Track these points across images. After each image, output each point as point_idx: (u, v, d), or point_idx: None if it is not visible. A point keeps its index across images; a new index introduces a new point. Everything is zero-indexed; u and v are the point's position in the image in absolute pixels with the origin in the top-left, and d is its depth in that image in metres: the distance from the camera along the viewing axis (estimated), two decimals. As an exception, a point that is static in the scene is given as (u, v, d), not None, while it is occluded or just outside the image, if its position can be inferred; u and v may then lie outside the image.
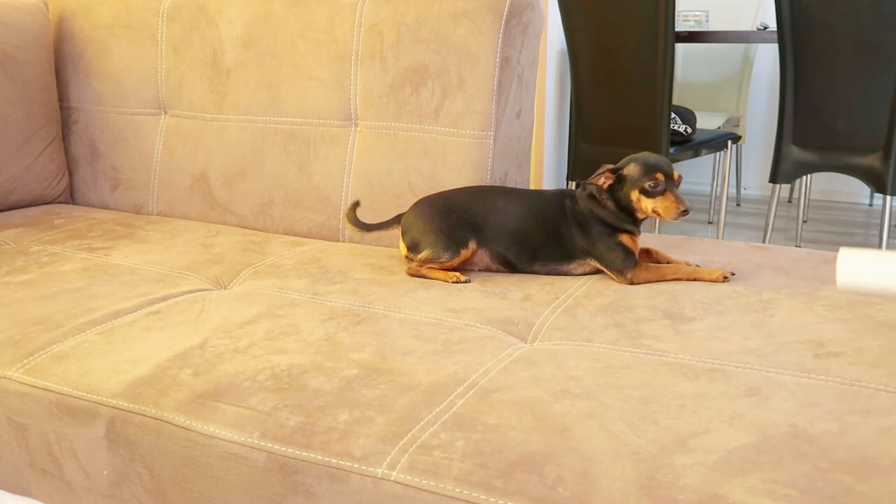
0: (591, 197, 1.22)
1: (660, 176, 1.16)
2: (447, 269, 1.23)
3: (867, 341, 0.96)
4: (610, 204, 1.20)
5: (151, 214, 1.70)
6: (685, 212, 1.15)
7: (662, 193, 1.16)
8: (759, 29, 3.46)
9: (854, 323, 1.01)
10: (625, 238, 1.21)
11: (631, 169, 1.18)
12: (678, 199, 1.16)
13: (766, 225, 2.72)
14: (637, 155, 1.20)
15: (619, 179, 1.19)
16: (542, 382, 0.87)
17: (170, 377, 0.90)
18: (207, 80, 1.62)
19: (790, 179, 2.61)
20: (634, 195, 1.18)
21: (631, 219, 1.21)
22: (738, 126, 3.75)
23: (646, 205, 1.18)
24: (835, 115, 2.45)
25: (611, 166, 1.20)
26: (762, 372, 0.88)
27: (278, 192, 1.56)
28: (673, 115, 2.76)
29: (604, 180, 1.19)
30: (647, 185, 1.16)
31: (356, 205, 1.38)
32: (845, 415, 0.79)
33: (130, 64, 1.70)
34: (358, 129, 1.51)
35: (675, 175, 1.17)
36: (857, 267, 0.79)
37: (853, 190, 4.00)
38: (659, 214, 1.17)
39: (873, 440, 0.74)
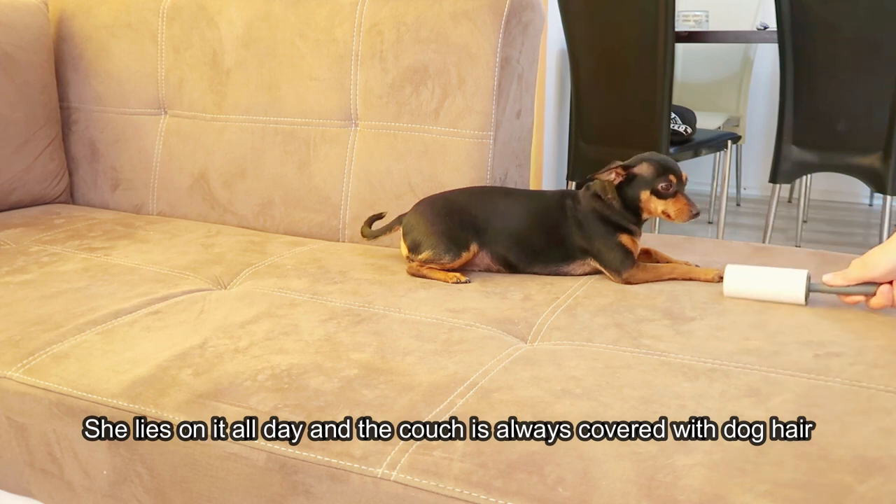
0: (595, 196, 1.22)
1: (673, 178, 1.15)
2: (448, 270, 1.23)
3: (867, 341, 0.96)
4: (615, 203, 1.20)
5: (151, 214, 1.70)
6: (697, 214, 1.15)
7: (674, 196, 1.16)
8: (759, 29, 3.46)
9: (854, 323, 1.01)
10: (625, 238, 1.21)
11: (643, 168, 1.16)
12: (690, 202, 1.15)
13: (766, 225, 2.72)
14: (645, 154, 1.19)
15: (630, 178, 1.18)
16: (542, 382, 0.87)
17: (170, 377, 0.90)
18: (207, 80, 1.62)
19: (790, 179, 2.61)
20: (644, 195, 1.17)
21: (635, 218, 1.21)
22: (738, 126, 3.75)
23: (655, 206, 1.17)
24: (835, 115, 2.45)
25: (621, 163, 1.18)
26: (762, 372, 0.88)
27: (278, 192, 1.56)
28: (673, 115, 2.76)
29: (614, 176, 1.18)
30: (660, 186, 1.15)
31: (373, 219, 1.38)
32: (845, 415, 0.79)
33: (130, 64, 1.70)
34: (358, 129, 1.51)
35: (684, 176, 1.17)
36: (741, 278, 1.09)
37: (853, 190, 4.00)
38: (669, 217, 1.16)
39: (873, 440, 0.74)
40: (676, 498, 0.67)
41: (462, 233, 1.23)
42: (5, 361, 0.97)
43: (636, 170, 1.17)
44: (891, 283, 1.01)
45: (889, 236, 2.42)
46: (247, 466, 0.80)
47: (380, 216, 1.39)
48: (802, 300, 1.06)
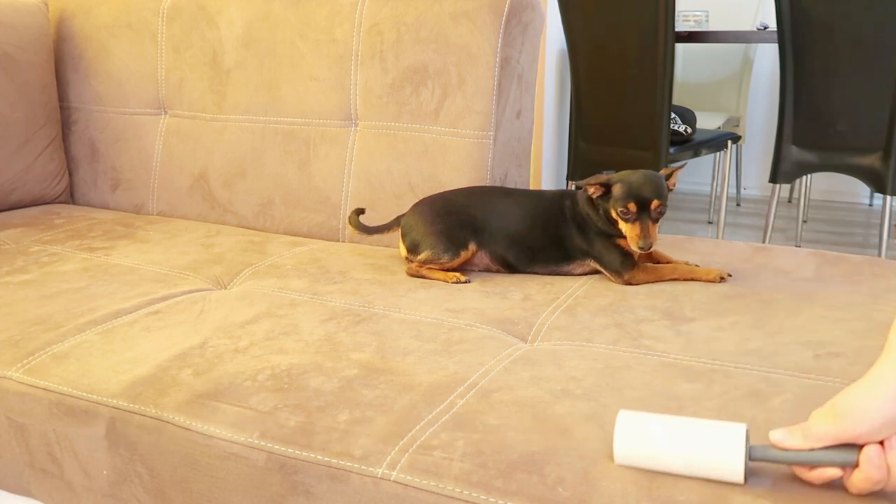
0: (589, 200, 1.22)
1: (632, 206, 1.15)
2: (447, 270, 1.23)
3: (867, 341, 0.96)
4: (601, 211, 1.21)
5: (151, 214, 1.70)
6: (643, 249, 1.15)
7: (633, 221, 1.16)
8: (759, 29, 3.46)
9: (854, 323, 1.01)
10: (623, 241, 1.21)
11: (617, 188, 1.17)
12: (641, 235, 1.15)
13: (766, 225, 2.72)
14: (633, 174, 1.18)
15: (607, 193, 1.19)
16: (542, 382, 0.87)
17: (170, 377, 0.90)
18: (207, 80, 1.62)
19: (790, 179, 2.61)
20: (614, 213, 1.18)
21: (616, 230, 1.21)
22: (738, 126, 3.75)
23: (621, 225, 1.18)
24: (835, 115, 2.45)
25: (605, 178, 1.19)
26: (762, 372, 0.88)
27: (278, 192, 1.56)
28: (673, 115, 2.76)
29: (593, 190, 1.19)
30: (620, 209, 1.16)
31: (360, 211, 1.38)
32: (845, 415, 0.79)
33: (130, 64, 1.70)
34: (358, 129, 1.51)
35: (655, 203, 1.15)
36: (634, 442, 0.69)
37: (853, 190, 4.00)
38: (624, 238, 1.18)
39: (873, 440, 0.74)
40: (676, 498, 0.67)
41: (460, 232, 1.23)
42: (5, 361, 0.97)
43: (613, 188, 1.18)
44: (882, 443, 0.62)
45: (889, 235, 2.42)
46: (247, 466, 0.80)
47: (362, 211, 1.38)
48: (740, 477, 0.66)
